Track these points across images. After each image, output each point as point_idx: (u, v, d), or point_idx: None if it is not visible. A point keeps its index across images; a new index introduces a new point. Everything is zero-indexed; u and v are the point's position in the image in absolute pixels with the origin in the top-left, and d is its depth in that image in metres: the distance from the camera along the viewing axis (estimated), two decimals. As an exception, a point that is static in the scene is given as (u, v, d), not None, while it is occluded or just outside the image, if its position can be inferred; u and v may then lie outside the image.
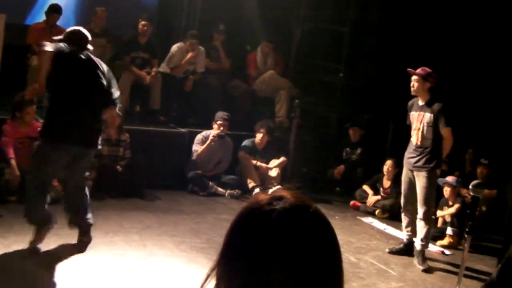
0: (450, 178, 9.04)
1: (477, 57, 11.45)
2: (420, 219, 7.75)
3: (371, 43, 12.34)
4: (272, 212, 1.41)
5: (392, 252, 8.11)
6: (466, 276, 6.93)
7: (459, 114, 10.24)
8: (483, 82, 11.45)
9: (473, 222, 5.80)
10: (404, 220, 8.09)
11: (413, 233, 8.04)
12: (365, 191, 10.27)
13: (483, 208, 9.58)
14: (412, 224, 8.00)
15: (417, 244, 7.83)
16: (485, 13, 11.37)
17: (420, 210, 7.73)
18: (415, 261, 7.80)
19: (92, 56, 6.42)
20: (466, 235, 5.95)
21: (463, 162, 10.89)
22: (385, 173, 9.97)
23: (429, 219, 7.80)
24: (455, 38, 11.53)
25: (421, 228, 7.75)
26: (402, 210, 8.11)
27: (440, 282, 7.38)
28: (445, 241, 8.79)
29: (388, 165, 9.91)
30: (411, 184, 7.83)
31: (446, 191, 9.04)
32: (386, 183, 10.07)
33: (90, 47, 6.41)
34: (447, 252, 8.56)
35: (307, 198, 1.48)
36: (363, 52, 12.42)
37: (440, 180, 8.93)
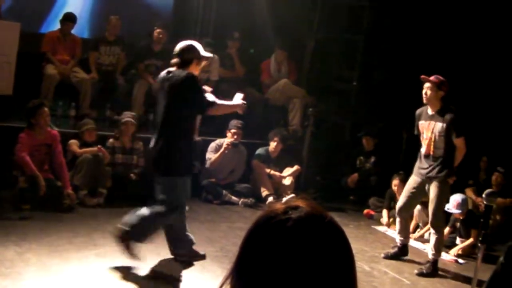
0: (454, 202, 8.70)
1: (491, 64, 11.41)
2: (431, 227, 7.78)
3: (385, 51, 12.33)
4: (287, 221, 1.41)
5: (388, 257, 8.08)
6: (479, 286, 6.88)
7: (473, 122, 10.23)
8: (497, 89, 11.41)
9: (487, 231, 5.76)
10: (398, 225, 8.08)
11: (406, 237, 8.12)
12: (379, 200, 10.24)
13: (497, 217, 9.53)
14: (405, 229, 8.08)
15: (429, 253, 7.80)
16: (500, 20, 11.33)
17: (430, 219, 7.73)
18: (424, 267, 7.74)
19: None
20: (479, 244, 5.91)
21: (477, 170, 10.84)
22: (395, 192, 9.78)
23: (439, 228, 7.73)
24: (469, 46, 11.49)
25: (432, 236, 7.76)
26: (396, 214, 8.06)
27: (453, 291, 7.36)
28: (459, 249, 8.69)
29: (395, 184, 9.71)
30: (415, 193, 7.81)
31: None
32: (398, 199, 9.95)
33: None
34: (460, 261, 8.51)
35: (322, 208, 1.49)
36: (377, 60, 12.41)
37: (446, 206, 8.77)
